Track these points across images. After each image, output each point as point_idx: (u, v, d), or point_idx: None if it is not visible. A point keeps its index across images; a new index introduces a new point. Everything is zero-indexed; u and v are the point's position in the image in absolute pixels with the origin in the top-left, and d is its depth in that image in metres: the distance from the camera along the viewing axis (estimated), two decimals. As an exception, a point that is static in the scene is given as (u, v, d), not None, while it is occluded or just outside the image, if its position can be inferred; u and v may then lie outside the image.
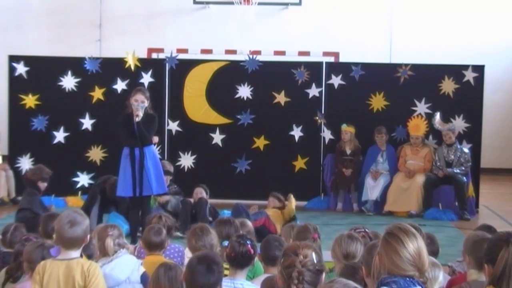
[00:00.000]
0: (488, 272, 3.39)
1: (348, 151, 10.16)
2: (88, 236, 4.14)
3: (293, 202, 8.69)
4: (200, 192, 8.72)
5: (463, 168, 9.90)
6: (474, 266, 4.09)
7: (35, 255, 4.30)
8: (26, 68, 10.28)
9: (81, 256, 4.12)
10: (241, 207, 8.29)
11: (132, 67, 10.06)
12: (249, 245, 4.31)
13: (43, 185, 8.09)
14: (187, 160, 10.28)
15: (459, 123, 10.15)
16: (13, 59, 10.40)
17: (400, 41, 14.24)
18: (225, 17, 14.31)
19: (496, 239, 3.43)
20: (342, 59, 12.14)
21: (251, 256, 4.31)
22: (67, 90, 10.23)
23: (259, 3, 13.49)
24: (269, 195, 8.84)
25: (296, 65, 10.40)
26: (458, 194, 9.84)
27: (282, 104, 10.27)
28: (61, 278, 3.97)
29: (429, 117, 10.14)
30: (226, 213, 8.30)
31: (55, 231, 4.12)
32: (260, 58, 10.46)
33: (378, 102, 10.29)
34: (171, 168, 9.15)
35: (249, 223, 6.07)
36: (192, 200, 8.76)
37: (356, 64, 10.39)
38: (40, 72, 10.33)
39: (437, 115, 10.00)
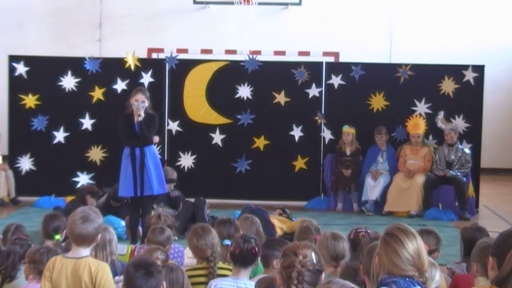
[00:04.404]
0: (491, 265, 3.36)
1: (348, 152, 10.15)
2: (99, 236, 4.12)
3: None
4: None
5: (463, 170, 9.91)
6: (482, 273, 4.01)
7: (41, 257, 4.30)
8: (26, 68, 10.27)
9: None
10: (253, 207, 8.12)
11: (132, 67, 10.06)
12: (253, 243, 4.29)
13: (91, 201, 8.47)
14: (187, 160, 10.27)
15: (459, 123, 10.15)
16: (13, 59, 10.38)
17: (400, 41, 14.22)
18: (225, 17, 14.29)
19: (507, 235, 3.40)
20: (342, 59, 12.16)
21: (255, 254, 4.28)
22: (67, 90, 10.22)
23: (259, 3, 13.47)
24: (277, 208, 8.76)
25: (296, 65, 10.39)
26: (458, 194, 9.83)
27: (282, 104, 10.26)
28: (69, 276, 3.97)
29: (429, 117, 10.14)
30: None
31: (68, 226, 4.13)
32: (260, 58, 10.46)
33: (378, 102, 10.29)
34: (174, 175, 8.96)
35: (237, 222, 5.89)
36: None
37: (356, 64, 10.38)
38: (40, 72, 10.31)
39: (441, 114, 10.00)
